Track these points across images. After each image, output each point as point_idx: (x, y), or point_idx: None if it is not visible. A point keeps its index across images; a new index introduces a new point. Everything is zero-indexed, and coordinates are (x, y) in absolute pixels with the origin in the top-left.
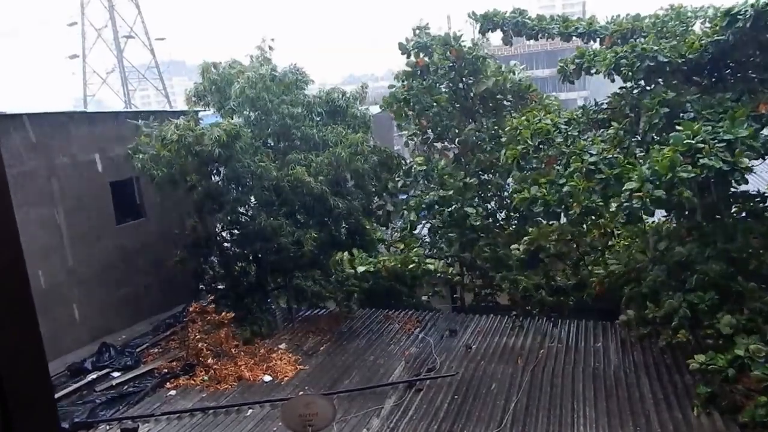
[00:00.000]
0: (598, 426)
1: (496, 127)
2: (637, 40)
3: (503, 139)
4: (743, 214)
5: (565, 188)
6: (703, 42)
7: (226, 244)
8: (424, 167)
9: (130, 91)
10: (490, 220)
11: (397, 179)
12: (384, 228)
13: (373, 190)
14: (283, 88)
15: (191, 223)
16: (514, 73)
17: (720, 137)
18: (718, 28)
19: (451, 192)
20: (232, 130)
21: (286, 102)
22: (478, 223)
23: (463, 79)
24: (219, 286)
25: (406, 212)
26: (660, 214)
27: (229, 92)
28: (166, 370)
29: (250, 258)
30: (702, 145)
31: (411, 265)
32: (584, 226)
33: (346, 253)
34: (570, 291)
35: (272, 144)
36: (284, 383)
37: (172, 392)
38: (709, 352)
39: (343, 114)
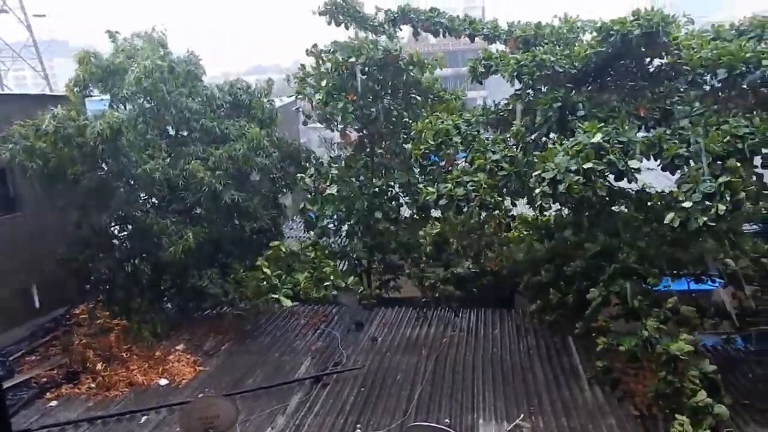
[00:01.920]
0: (496, 409)
1: (406, 114)
2: (537, 48)
3: (412, 134)
4: (623, 209)
5: (469, 184)
6: (588, 53)
7: (115, 242)
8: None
9: (2, 71)
10: (393, 204)
11: (309, 174)
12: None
13: (284, 184)
14: (181, 80)
15: (76, 219)
16: (433, 66)
17: (616, 138)
18: (598, 41)
19: (355, 199)
20: (116, 125)
21: (183, 94)
22: (382, 224)
23: (382, 74)
24: (108, 287)
25: (315, 211)
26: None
27: (119, 80)
28: (45, 379)
29: (143, 256)
30: (607, 144)
31: (324, 290)
32: (482, 218)
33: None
34: (471, 279)
35: (171, 134)
36: (182, 386)
37: (53, 403)
38: (609, 334)
39: (247, 107)
